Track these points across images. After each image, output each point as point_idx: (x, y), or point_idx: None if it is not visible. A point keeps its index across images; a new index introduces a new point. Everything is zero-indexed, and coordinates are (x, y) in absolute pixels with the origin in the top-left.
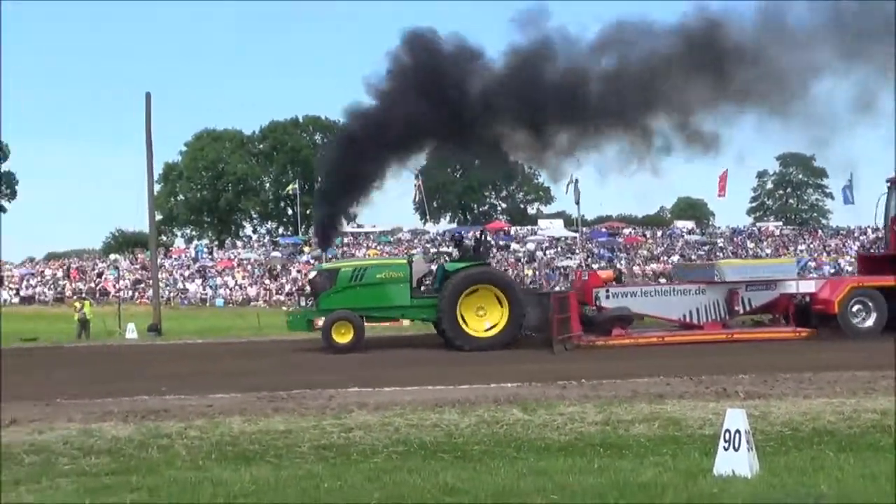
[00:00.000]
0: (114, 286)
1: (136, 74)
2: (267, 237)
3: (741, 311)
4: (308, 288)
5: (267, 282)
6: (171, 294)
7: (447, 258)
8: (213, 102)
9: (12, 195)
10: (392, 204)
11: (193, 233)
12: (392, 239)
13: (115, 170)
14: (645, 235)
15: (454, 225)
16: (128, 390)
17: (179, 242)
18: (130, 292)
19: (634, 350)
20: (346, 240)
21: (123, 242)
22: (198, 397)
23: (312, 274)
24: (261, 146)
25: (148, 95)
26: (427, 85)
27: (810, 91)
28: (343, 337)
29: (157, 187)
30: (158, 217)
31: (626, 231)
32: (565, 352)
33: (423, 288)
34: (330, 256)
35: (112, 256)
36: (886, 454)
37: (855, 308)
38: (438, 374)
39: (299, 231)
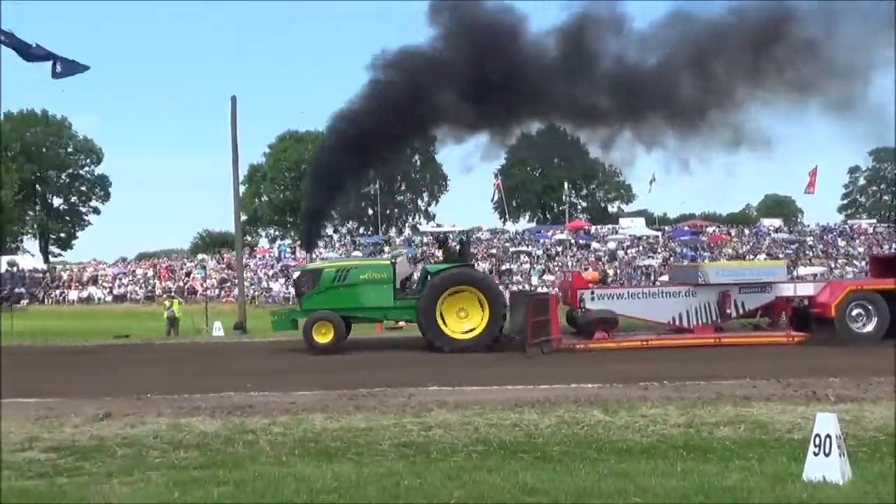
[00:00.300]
0: (201, 285)
1: (223, 78)
2: (348, 237)
3: (734, 315)
4: (293, 288)
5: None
6: (256, 293)
7: (431, 260)
8: (296, 105)
9: (106, 197)
10: (472, 203)
11: (277, 233)
12: (472, 238)
13: (202, 172)
14: (730, 234)
15: (533, 224)
16: (215, 387)
17: (263, 242)
18: (217, 291)
19: (717, 351)
20: (425, 239)
21: (210, 243)
22: (281, 394)
23: (296, 274)
24: None
25: (234, 99)
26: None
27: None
28: (323, 337)
29: (242, 189)
30: (243, 218)
31: (710, 229)
32: (542, 354)
33: (406, 289)
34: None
35: (199, 256)
36: None
37: (854, 312)
38: (517, 374)
39: (379, 231)
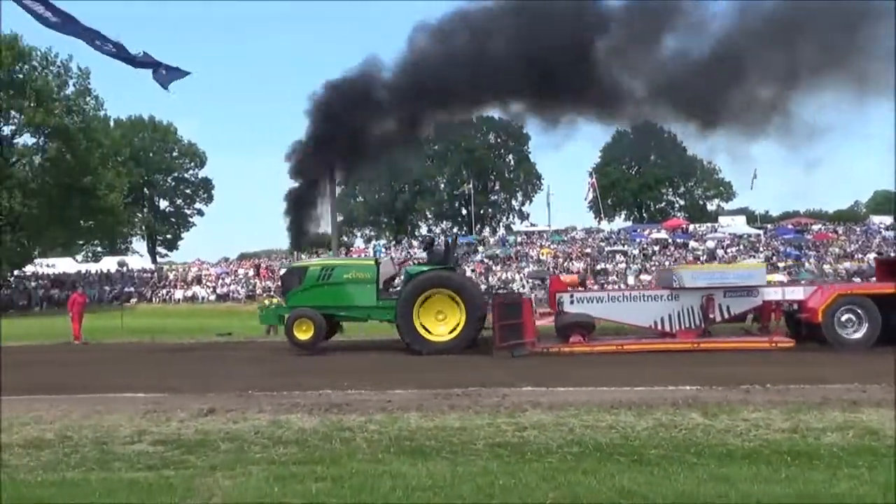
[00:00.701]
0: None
1: (321, 79)
2: (442, 237)
3: (718, 319)
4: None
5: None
6: None
7: (415, 262)
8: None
9: (209, 199)
10: (566, 202)
11: (372, 233)
12: (565, 238)
13: None
14: (836, 232)
15: (629, 223)
16: (313, 384)
17: (359, 242)
18: None
19: (822, 354)
20: (518, 239)
21: (308, 243)
22: (377, 392)
23: (283, 271)
24: (435, 147)
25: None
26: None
27: None
28: (304, 334)
29: (338, 190)
30: (339, 218)
31: (815, 227)
32: (512, 358)
33: (390, 290)
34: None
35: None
36: None
37: (844, 318)
38: (613, 375)
39: (473, 230)
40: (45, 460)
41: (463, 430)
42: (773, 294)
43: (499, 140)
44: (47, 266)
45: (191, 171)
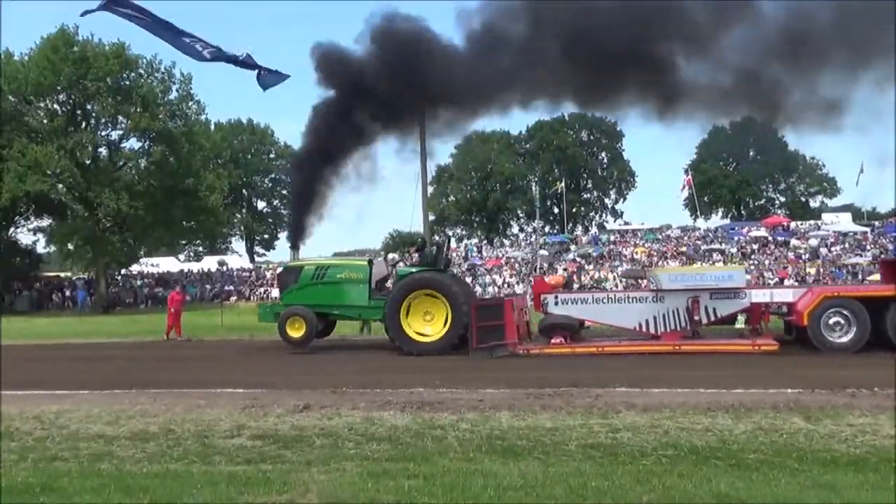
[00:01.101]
0: (392, 284)
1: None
2: (533, 235)
3: (704, 321)
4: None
5: (533, 280)
6: None
7: (405, 263)
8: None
9: None
10: (660, 200)
11: (463, 232)
12: (660, 236)
13: (392, 174)
14: None
15: (727, 220)
16: (405, 382)
17: (451, 242)
18: None
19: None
20: (611, 237)
21: (400, 242)
22: (469, 391)
23: (280, 270)
24: (527, 146)
25: (421, 108)
26: None
27: None
28: (297, 332)
29: (430, 189)
30: (431, 217)
31: None
32: (491, 359)
33: (382, 290)
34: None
35: (390, 256)
36: None
37: (832, 321)
38: (709, 377)
39: (565, 229)
40: (150, 452)
41: (555, 431)
42: (760, 296)
43: (591, 137)
44: (152, 265)
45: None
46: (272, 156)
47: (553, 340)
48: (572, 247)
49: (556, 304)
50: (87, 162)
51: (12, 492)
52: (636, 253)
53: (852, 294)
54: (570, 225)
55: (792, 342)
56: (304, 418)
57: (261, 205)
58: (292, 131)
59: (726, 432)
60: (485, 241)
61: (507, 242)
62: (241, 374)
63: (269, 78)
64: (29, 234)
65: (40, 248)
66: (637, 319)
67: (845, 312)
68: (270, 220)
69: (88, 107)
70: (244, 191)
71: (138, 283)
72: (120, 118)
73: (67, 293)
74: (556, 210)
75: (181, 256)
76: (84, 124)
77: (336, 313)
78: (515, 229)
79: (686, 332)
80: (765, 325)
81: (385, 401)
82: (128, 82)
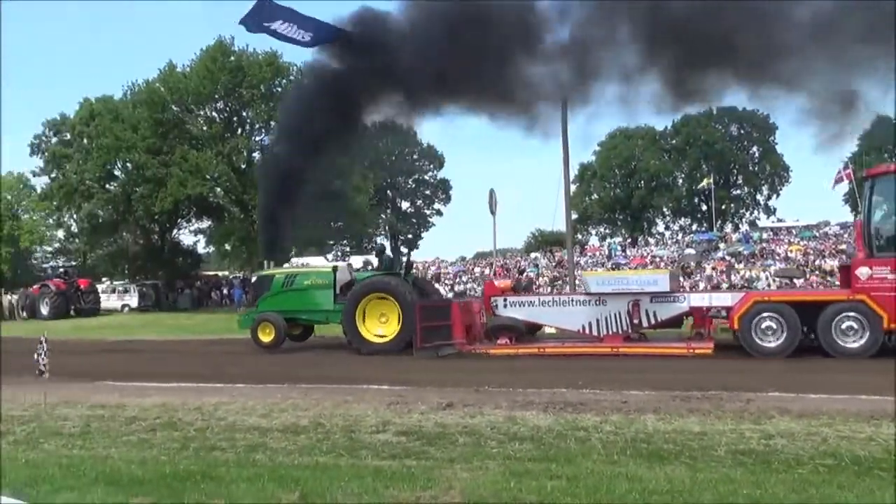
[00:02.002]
0: (534, 283)
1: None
2: (680, 234)
3: (645, 325)
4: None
5: (681, 279)
6: None
7: (370, 268)
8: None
9: (447, 200)
10: (817, 196)
11: (607, 231)
12: (817, 234)
13: (535, 173)
14: None
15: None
16: (548, 382)
17: (594, 240)
18: (549, 289)
19: None
20: (764, 235)
21: (542, 241)
22: (612, 393)
23: (254, 279)
24: (673, 141)
25: (564, 101)
26: None
27: None
28: (267, 336)
29: (572, 188)
30: (574, 216)
31: None
32: (437, 357)
33: (346, 295)
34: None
35: (532, 255)
36: None
37: (765, 325)
38: (872, 383)
39: (714, 227)
40: (301, 445)
41: (703, 435)
42: (699, 300)
43: (742, 131)
44: (302, 265)
45: (430, 173)
46: (415, 156)
47: (499, 341)
48: (721, 245)
49: (506, 306)
50: (243, 166)
51: (176, 478)
52: (791, 251)
53: (782, 299)
54: (719, 222)
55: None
56: (447, 416)
57: (404, 205)
58: (434, 130)
59: (892, 442)
60: (629, 240)
61: (651, 241)
62: (387, 371)
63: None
64: (190, 236)
65: (200, 249)
66: (581, 322)
67: (776, 317)
68: (414, 220)
69: (244, 113)
70: (388, 192)
71: None
72: (272, 123)
73: (225, 291)
74: (703, 207)
75: (329, 256)
76: (239, 130)
77: (305, 318)
78: (661, 227)
79: (627, 334)
80: (707, 329)
81: (527, 401)
82: (279, 89)
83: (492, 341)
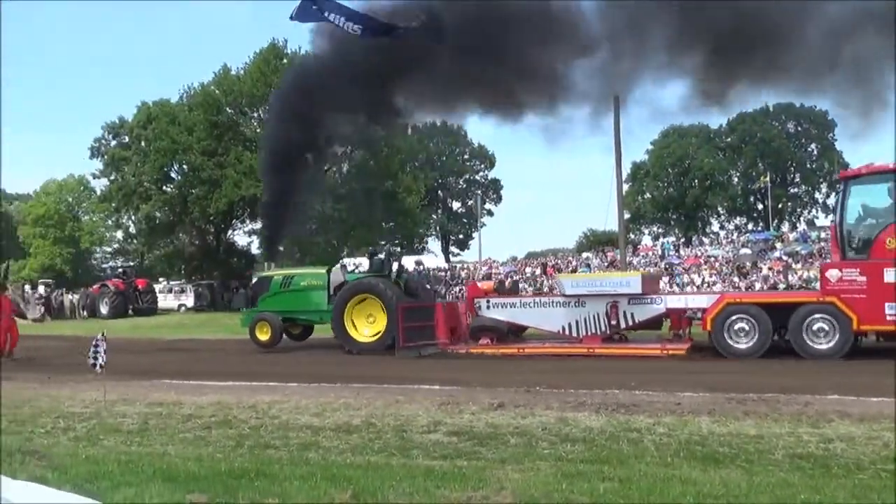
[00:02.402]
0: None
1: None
2: (735, 233)
3: (623, 326)
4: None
5: (736, 279)
6: None
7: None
8: (676, 100)
9: (498, 200)
10: None
11: (660, 230)
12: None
13: (586, 173)
14: None
15: None
16: (599, 383)
17: (647, 240)
18: None
19: None
20: (823, 234)
21: (594, 241)
22: (665, 394)
23: (254, 280)
24: (728, 139)
25: (616, 98)
26: None
27: None
28: (264, 335)
29: (625, 187)
30: (627, 216)
31: None
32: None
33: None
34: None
35: (584, 255)
36: None
37: (737, 327)
38: None
39: (770, 226)
40: (353, 444)
41: (760, 439)
42: (675, 302)
43: (799, 128)
44: (353, 265)
45: (481, 173)
46: (466, 156)
47: (481, 341)
48: (778, 245)
49: (488, 307)
50: None
51: (231, 475)
52: None
53: (754, 301)
54: (776, 221)
55: None
56: (498, 416)
57: (455, 205)
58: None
59: None
60: (682, 240)
61: (706, 241)
62: (438, 372)
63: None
64: (244, 236)
65: (254, 249)
66: (561, 323)
67: (748, 319)
68: (465, 220)
69: None
70: (439, 192)
71: None
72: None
73: None
74: (759, 206)
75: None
76: None
77: (301, 318)
78: (716, 227)
79: (606, 335)
80: (685, 330)
81: (579, 402)
82: None
83: (476, 342)
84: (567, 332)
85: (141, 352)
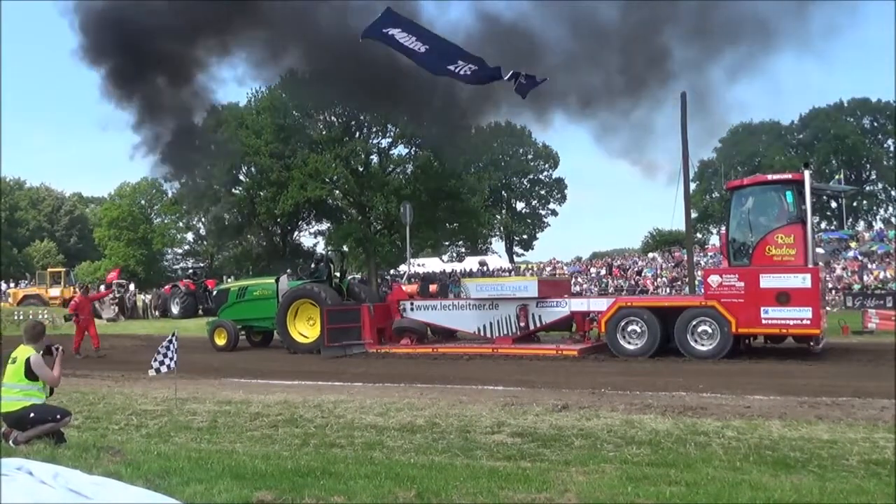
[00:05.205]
0: (652, 284)
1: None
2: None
3: (532, 327)
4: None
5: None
6: None
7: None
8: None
9: (562, 200)
10: None
11: None
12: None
13: (651, 171)
14: None
15: None
16: (666, 385)
17: (714, 240)
18: (668, 290)
19: None
20: None
21: (661, 241)
22: (735, 397)
23: (215, 292)
24: (800, 136)
25: (683, 95)
26: None
27: None
28: (221, 340)
29: (692, 186)
30: (694, 215)
31: None
32: (339, 357)
33: None
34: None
35: (650, 255)
36: None
37: (630, 328)
38: None
39: (844, 225)
40: (417, 444)
41: (833, 444)
42: (578, 305)
43: (875, 124)
44: (418, 265)
45: (545, 173)
46: (530, 156)
47: (402, 341)
48: (853, 244)
49: (412, 309)
50: (360, 168)
51: (297, 473)
52: None
53: (644, 304)
54: (851, 220)
55: None
56: (562, 418)
57: (519, 205)
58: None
59: None
60: None
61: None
62: (502, 372)
63: (526, 85)
64: (310, 237)
65: (320, 250)
66: (476, 324)
67: (639, 321)
68: (529, 221)
69: (361, 117)
70: (503, 192)
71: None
72: (389, 126)
73: None
74: (833, 204)
75: (444, 257)
76: (357, 133)
77: (256, 325)
78: None
79: (517, 336)
80: (590, 331)
81: (645, 404)
82: None
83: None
84: (482, 333)
85: (210, 351)
